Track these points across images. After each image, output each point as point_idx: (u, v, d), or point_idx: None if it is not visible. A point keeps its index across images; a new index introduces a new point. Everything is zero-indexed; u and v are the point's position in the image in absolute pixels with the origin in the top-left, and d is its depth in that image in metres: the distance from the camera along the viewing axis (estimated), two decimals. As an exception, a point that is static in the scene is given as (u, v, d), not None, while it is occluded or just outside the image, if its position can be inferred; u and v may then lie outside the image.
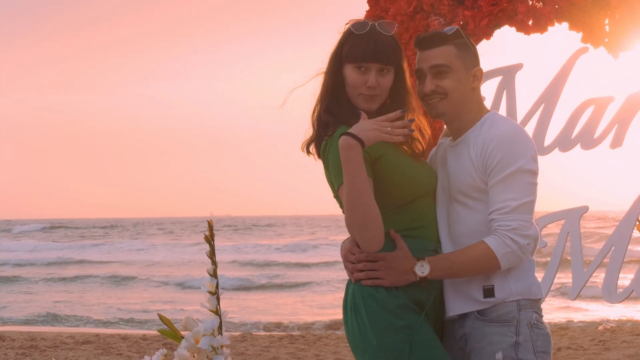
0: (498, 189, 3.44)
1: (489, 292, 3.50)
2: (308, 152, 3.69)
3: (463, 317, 3.56)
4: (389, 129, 3.41)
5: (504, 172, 3.43)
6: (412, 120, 3.53)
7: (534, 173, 3.47)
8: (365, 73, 3.58)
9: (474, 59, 3.64)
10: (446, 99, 3.59)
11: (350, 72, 3.60)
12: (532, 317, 3.51)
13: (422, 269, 3.43)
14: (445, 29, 3.62)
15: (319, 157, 3.63)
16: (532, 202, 3.46)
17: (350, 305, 3.58)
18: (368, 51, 3.57)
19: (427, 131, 3.74)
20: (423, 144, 3.71)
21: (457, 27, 3.64)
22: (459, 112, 3.63)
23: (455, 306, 3.55)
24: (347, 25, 3.66)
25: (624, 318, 16.93)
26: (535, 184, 3.48)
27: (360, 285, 3.52)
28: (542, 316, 3.58)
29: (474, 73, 3.62)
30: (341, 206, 3.54)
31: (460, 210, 3.56)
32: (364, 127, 3.40)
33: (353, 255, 3.55)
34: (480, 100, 3.68)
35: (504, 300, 3.49)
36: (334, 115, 3.60)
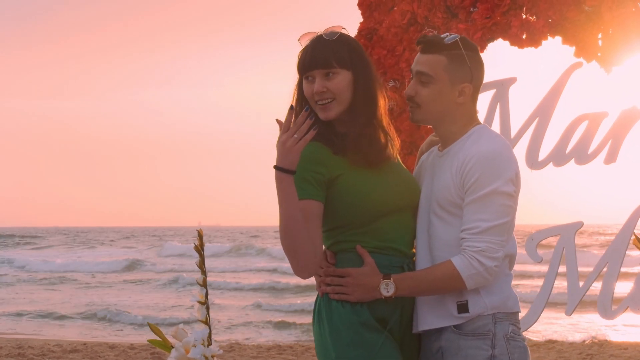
0: (471, 209, 3.40)
1: (462, 308, 3.47)
2: None
3: (439, 330, 3.52)
4: (295, 136, 3.28)
5: (479, 192, 3.38)
6: (307, 109, 3.36)
7: (510, 195, 3.42)
8: (313, 82, 3.52)
9: (466, 74, 3.54)
10: (419, 108, 3.55)
11: (303, 86, 3.55)
12: (508, 329, 3.48)
13: (388, 289, 3.42)
14: (447, 37, 3.53)
15: None
16: (504, 224, 3.41)
17: (316, 317, 3.58)
18: (306, 59, 3.53)
19: (390, 134, 3.65)
20: (387, 149, 3.61)
21: (459, 37, 3.55)
22: (437, 122, 3.59)
23: (430, 321, 3.52)
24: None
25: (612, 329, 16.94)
26: (510, 206, 3.43)
27: (326, 298, 3.52)
28: (519, 328, 3.55)
29: (461, 88, 3.53)
30: None
31: (437, 223, 3.52)
32: (283, 153, 3.29)
33: (321, 268, 3.53)
34: (469, 114, 3.60)
35: (479, 314, 3.46)
36: None
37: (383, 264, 3.49)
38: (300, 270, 3.41)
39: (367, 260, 3.47)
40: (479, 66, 3.60)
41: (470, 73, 3.55)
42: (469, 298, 3.45)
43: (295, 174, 3.32)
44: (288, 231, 3.33)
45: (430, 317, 3.51)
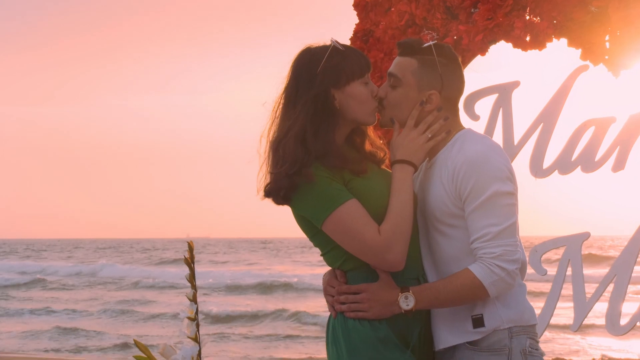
0: (476, 216, 3.32)
1: (478, 322, 3.38)
2: (271, 196, 3.44)
3: (453, 346, 3.43)
4: (429, 134, 3.41)
5: (480, 198, 3.30)
6: (440, 109, 3.44)
7: (511, 194, 3.34)
8: (367, 84, 3.48)
9: (435, 81, 3.47)
10: (384, 110, 3.51)
11: (358, 89, 3.45)
12: (525, 343, 3.40)
13: (407, 302, 3.33)
14: (430, 42, 3.48)
15: (287, 197, 3.39)
16: (513, 225, 3.33)
17: (330, 339, 3.47)
18: (365, 61, 3.48)
19: (377, 143, 3.66)
20: (381, 158, 3.64)
21: (436, 43, 3.49)
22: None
23: (445, 339, 3.44)
24: (307, 48, 3.53)
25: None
26: (514, 205, 3.35)
27: (340, 318, 3.42)
28: (538, 342, 3.47)
29: (428, 95, 3.46)
30: (321, 245, 3.45)
31: (439, 239, 3.45)
32: (411, 148, 3.42)
33: (333, 288, 3.45)
34: (449, 123, 3.51)
35: (495, 329, 3.37)
36: (310, 149, 3.39)
37: (396, 276, 3.38)
38: (403, 255, 3.34)
39: (382, 275, 3.36)
40: (453, 76, 3.53)
41: (441, 81, 3.47)
42: (484, 311, 3.37)
43: (322, 183, 3.31)
44: (407, 216, 3.34)
45: (445, 334, 3.43)
